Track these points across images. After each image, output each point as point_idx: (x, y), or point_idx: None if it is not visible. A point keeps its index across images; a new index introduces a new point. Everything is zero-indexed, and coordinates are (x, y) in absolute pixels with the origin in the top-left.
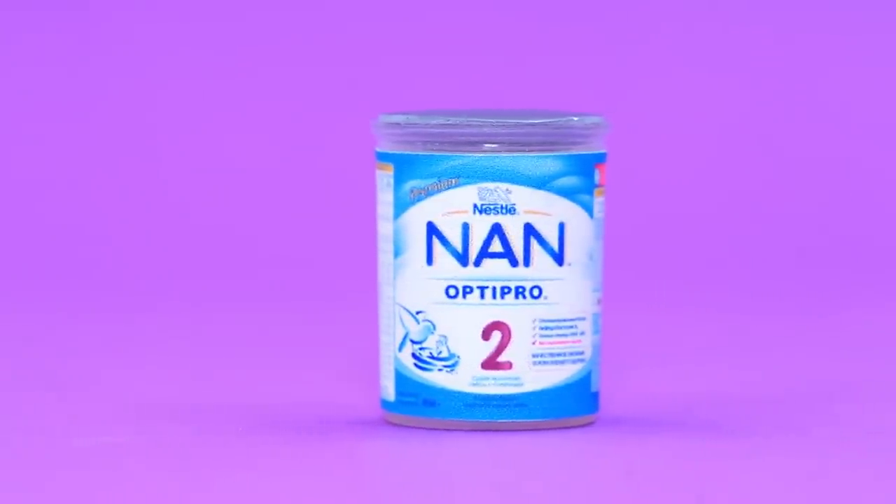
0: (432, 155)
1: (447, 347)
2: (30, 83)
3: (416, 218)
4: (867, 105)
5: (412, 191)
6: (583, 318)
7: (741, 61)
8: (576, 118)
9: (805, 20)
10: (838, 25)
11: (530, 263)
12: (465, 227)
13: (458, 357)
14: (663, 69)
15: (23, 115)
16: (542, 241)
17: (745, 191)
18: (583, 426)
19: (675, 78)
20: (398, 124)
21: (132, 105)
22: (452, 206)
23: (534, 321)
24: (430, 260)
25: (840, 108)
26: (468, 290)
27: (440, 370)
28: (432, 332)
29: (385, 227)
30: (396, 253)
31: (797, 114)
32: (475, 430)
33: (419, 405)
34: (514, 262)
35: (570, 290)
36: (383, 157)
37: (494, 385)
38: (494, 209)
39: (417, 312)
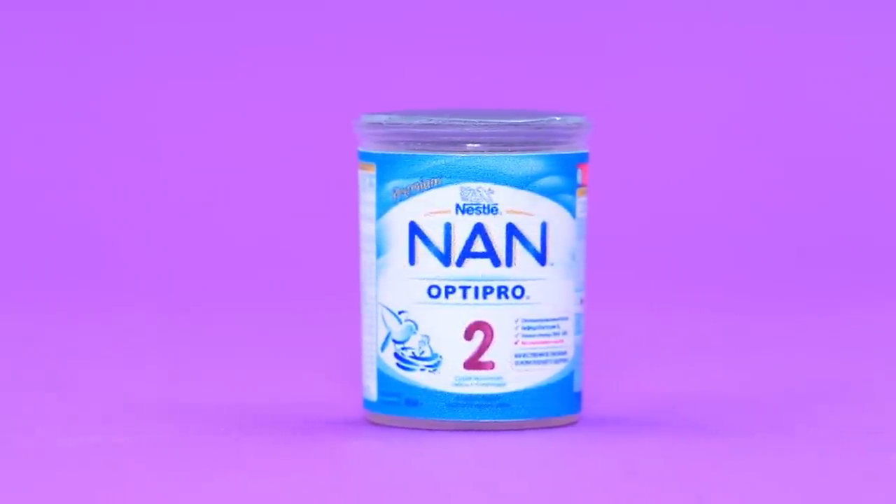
0: (415, 155)
1: (429, 347)
2: (30, 83)
3: (399, 218)
4: (862, 104)
5: (394, 191)
6: (565, 318)
7: (724, 60)
8: (558, 118)
9: (787, 18)
10: (826, 24)
11: (512, 263)
12: (448, 227)
13: (441, 357)
14: (645, 69)
15: (23, 115)
16: (525, 241)
17: (729, 190)
18: (565, 426)
19: (658, 77)
20: (381, 124)
21: (132, 105)
22: (435, 206)
23: (516, 321)
24: (412, 260)
25: (829, 107)
26: (450, 289)
27: (422, 370)
28: (414, 332)
29: (367, 227)
30: (379, 253)
31: (781, 111)
32: (457, 430)
33: (401, 405)
34: (496, 262)
35: (552, 290)
36: (366, 156)
37: (477, 385)
38: (477, 209)
39: (400, 312)
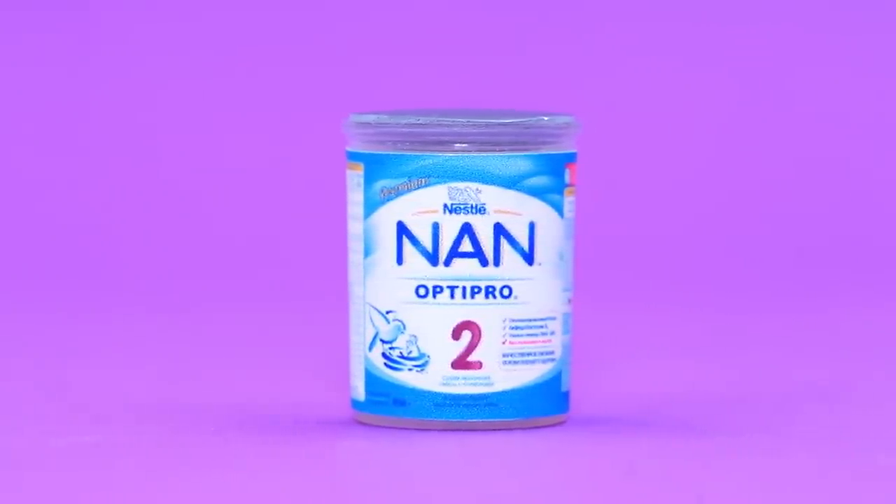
0: (402, 154)
1: (417, 347)
2: (30, 83)
3: (387, 217)
4: (859, 103)
5: (382, 190)
6: (553, 318)
7: (713, 59)
8: (546, 118)
9: (780, 16)
10: (823, 23)
11: (500, 263)
12: (436, 227)
13: (429, 357)
14: (634, 69)
15: (23, 115)
16: (513, 241)
17: (719, 189)
18: (553, 426)
19: (646, 77)
20: (369, 124)
21: (131, 105)
22: (422, 206)
23: (504, 321)
24: (400, 259)
25: (822, 105)
26: (438, 289)
27: (410, 370)
28: (402, 332)
29: (355, 227)
30: (366, 252)
31: (772, 110)
32: (445, 430)
33: (389, 405)
34: (484, 262)
35: (540, 290)
36: (354, 156)
37: (464, 385)
38: (464, 209)
39: (387, 312)
